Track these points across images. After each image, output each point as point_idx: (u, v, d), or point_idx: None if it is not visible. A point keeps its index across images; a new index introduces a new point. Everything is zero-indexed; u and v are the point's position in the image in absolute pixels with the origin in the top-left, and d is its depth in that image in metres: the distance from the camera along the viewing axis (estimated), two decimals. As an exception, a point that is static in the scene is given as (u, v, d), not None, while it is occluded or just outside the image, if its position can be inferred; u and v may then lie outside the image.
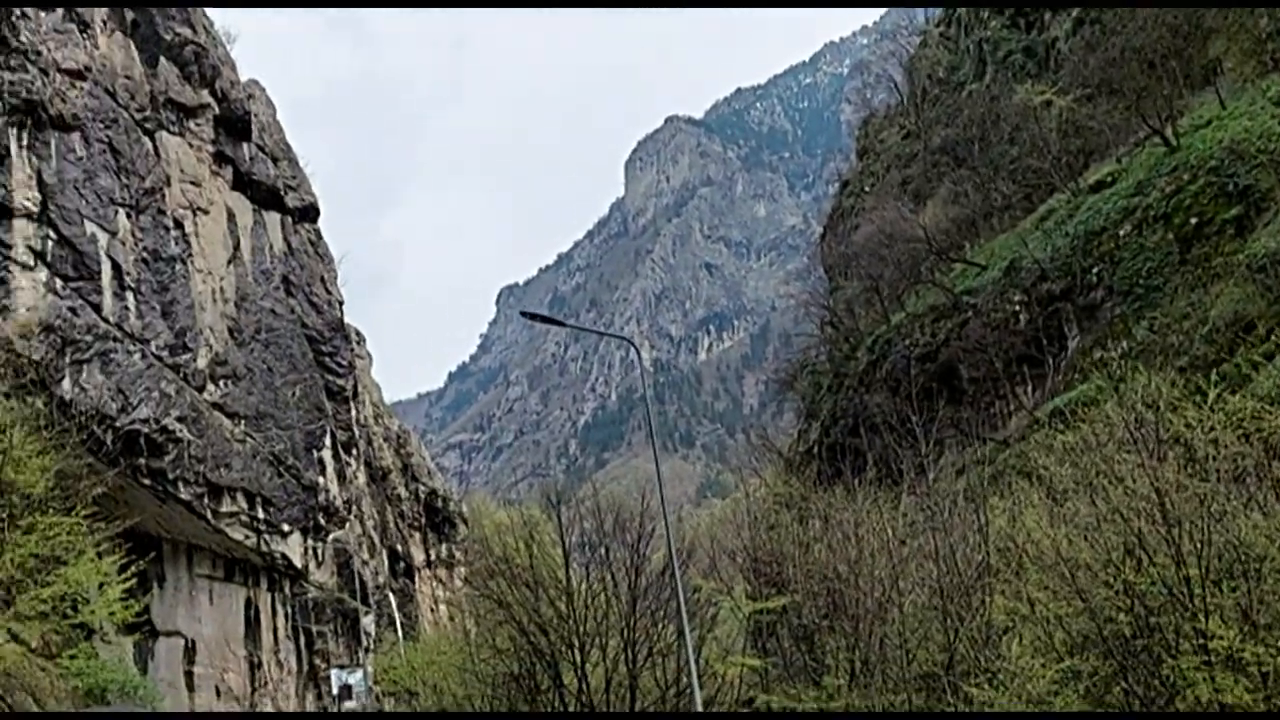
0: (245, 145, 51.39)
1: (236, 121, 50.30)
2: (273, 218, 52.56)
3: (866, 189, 76.92)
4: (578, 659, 26.72)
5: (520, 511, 39.36)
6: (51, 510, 26.64)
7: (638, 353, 31.95)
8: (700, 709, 20.16)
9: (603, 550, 28.71)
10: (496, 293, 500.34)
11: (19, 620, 25.20)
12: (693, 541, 34.16)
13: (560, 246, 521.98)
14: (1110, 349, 36.76)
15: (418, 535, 68.26)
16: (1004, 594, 19.35)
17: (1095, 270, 40.35)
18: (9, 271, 35.10)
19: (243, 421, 45.36)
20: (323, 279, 56.15)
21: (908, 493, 30.32)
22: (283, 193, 53.54)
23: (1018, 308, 44.28)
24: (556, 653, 27.48)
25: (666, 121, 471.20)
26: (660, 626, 27.22)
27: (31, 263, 36.09)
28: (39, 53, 37.63)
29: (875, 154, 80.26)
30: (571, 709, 27.40)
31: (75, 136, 39.15)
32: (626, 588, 26.93)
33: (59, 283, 36.94)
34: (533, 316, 24.06)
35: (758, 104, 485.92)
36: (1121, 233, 39.70)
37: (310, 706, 50.66)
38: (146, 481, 39.52)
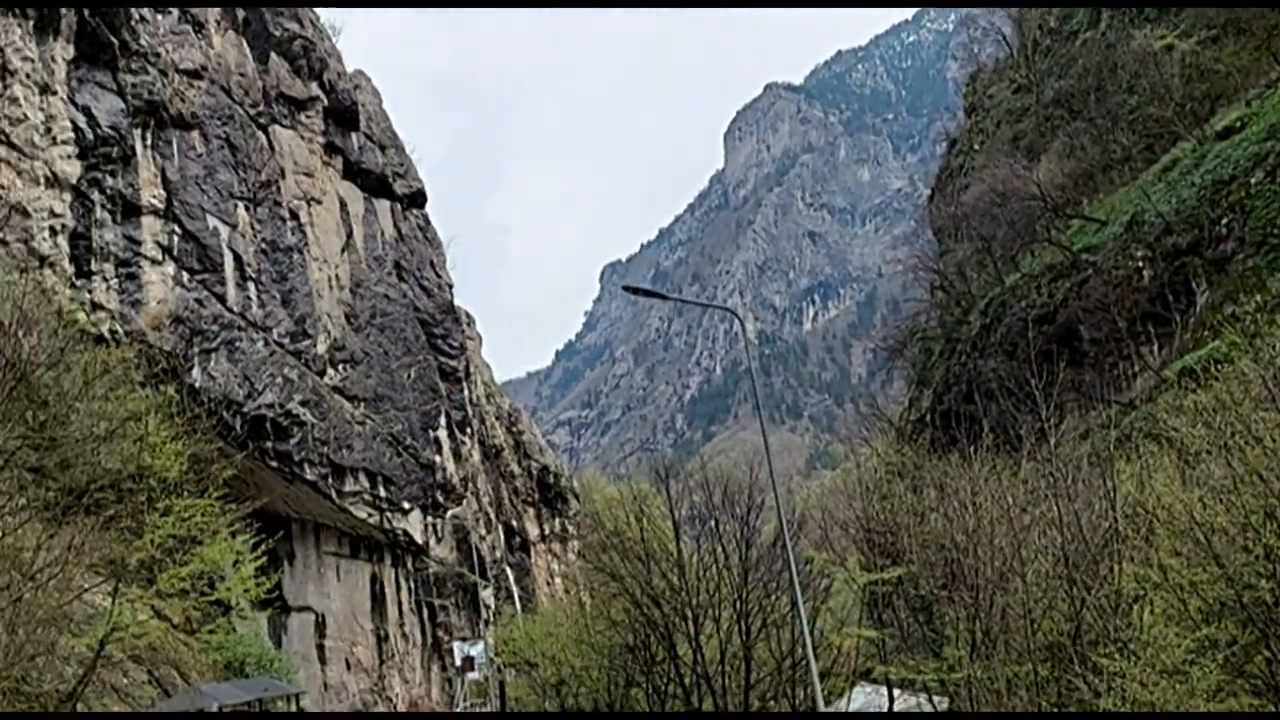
0: (354, 135, 52.82)
1: (345, 112, 51.69)
2: (383, 205, 53.96)
3: (976, 147, 74.46)
4: (691, 631, 26.86)
5: (630, 486, 39.59)
6: (186, 493, 27.97)
7: (741, 324, 31.58)
8: (816, 680, 20.03)
9: (713, 523, 28.78)
10: (600, 270, 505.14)
11: (161, 598, 26.62)
12: (803, 513, 33.86)
13: (661, 222, 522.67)
14: (1243, 303, 34.75)
15: (531, 511, 69.63)
16: (1133, 561, 18.63)
17: (1225, 221, 38.21)
18: (139, 267, 36.90)
19: (362, 404, 46.88)
20: (432, 263, 57.46)
21: (1027, 459, 29.33)
22: (391, 180, 54.88)
23: (1141, 264, 42.28)
24: (670, 624, 27.70)
25: (765, 89, 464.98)
26: (773, 598, 27.15)
27: (159, 257, 37.85)
28: (158, 54, 39.25)
29: (984, 110, 77.51)
30: (687, 680, 27.57)
31: (195, 134, 40.82)
32: (738, 560, 26.94)
33: (185, 275, 38.68)
34: (635, 291, 23.90)
35: (859, 66, 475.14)
36: (1253, 180, 37.45)
37: (435, 678, 52.38)
38: (274, 463, 41.25)
